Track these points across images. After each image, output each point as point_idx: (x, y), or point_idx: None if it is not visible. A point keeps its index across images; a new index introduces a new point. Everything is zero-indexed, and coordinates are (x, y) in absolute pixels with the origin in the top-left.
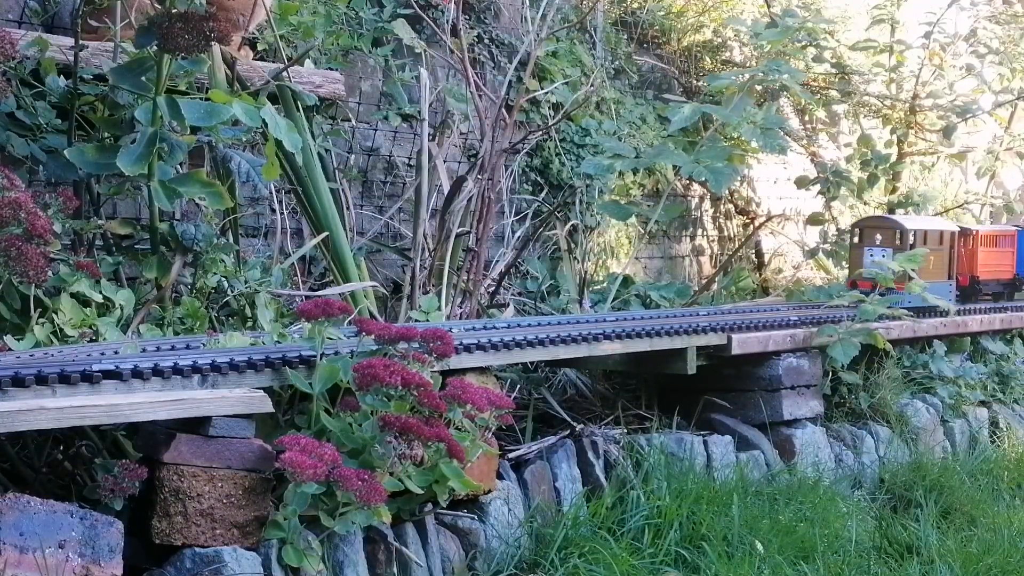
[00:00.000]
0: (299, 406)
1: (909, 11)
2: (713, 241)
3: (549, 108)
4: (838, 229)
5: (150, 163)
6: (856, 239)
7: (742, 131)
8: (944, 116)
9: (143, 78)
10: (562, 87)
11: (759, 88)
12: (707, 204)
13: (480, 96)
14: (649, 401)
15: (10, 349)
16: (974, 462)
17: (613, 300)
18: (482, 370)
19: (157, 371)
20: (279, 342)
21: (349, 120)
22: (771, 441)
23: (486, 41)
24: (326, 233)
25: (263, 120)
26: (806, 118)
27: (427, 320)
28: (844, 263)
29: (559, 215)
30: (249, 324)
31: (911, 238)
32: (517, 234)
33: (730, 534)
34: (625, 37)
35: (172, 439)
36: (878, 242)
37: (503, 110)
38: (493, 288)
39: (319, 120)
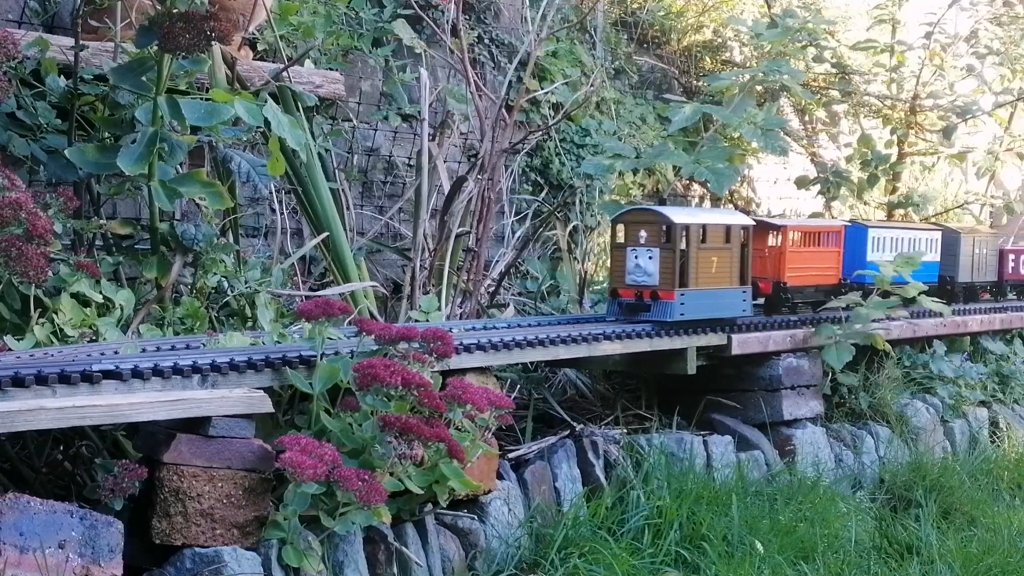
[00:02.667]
0: (299, 406)
1: (910, 11)
2: None
3: (549, 108)
4: None
5: (150, 163)
6: (619, 237)
7: (743, 132)
8: (944, 116)
9: (143, 78)
10: (562, 87)
11: (759, 88)
12: (707, 204)
13: (480, 96)
14: (649, 401)
15: (10, 349)
16: (974, 462)
17: None
18: (482, 370)
19: (157, 371)
20: (279, 342)
21: (349, 120)
22: (771, 441)
23: (486, 41)
24: (326, 233)
25: (265, 119)
26: (806, 118)
27: (427, 320)
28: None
29: (559, 215)
30: (249, 324)
31: (681, 234)
32: (517, 234)
33: (730, 534)
34: (625, 37)
35: (172, 439)
36: (642, 240)
37: (503, 110)
38: (493, 288)
39: (319, 120)
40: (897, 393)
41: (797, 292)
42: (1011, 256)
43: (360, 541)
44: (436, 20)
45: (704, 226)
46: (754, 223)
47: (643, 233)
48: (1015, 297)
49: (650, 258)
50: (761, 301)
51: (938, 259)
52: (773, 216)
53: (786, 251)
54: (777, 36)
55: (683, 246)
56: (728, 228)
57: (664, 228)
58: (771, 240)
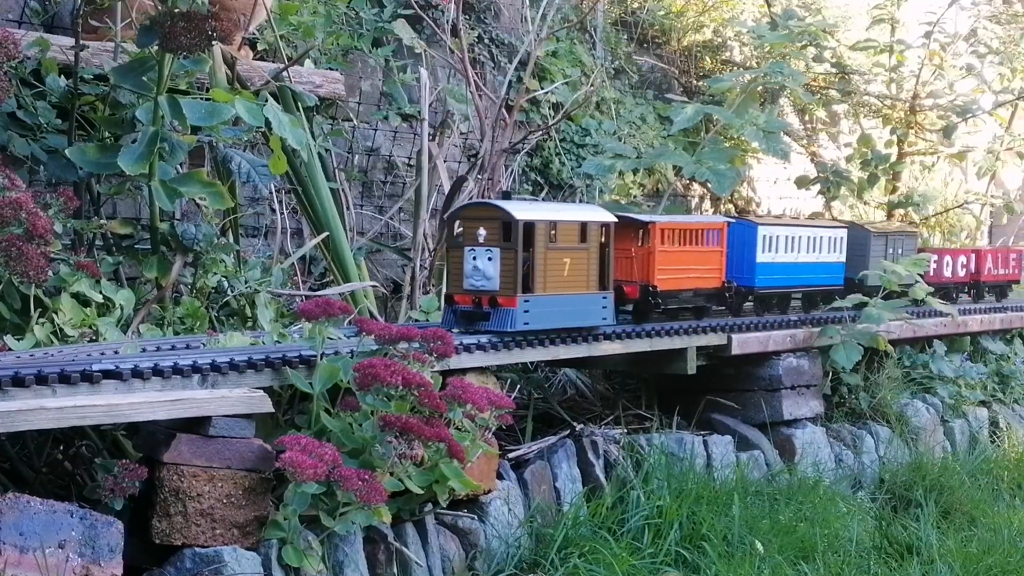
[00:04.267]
0: (299, 406)
1: (909, 11)
2: None
3: (549, 108)
4: None
5: (151, 163)
6: (456, 235)
7: (745, 133)
8: (944, 116)
9: (144, 77)
10: (562, 87)
11: (760, 88)
12: (707, 204)
13: (480, 96)
14: (649, 401)
15: (10, 349)
16: (974, 462)
17: None
18: (482, 370)
19: (157, 371)
20: (279, 342)
21: (349, 120)
22: (771, 441)
23: (486, 41)
24: (326, 233)
25: (265, 119)
26: (806, 118)
27: (427, 320)
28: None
29: None
30: (249, 324)
31: (523, 232)
32: None
33: (730, 534)
34: (625, 37)
35: (172, 439)
36: (481, 239)
37: (503, 110)
38: None
39: (319, 120)
40: (897, 393)
41: (670, 297)
42: (932, 257)
43: (360, 541)
44: (436, 20)
45: (553, 223)
46: (616, 220)
47: (482, 231)
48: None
49: (489, 259)
50: (630, 308)
51: (844, 260)
52: (641, 212)
53: (655, 251)
54: (780, 38)
55: (528, 246)
56: (584, 225)
57: (501, 225)
58: (639, 239)
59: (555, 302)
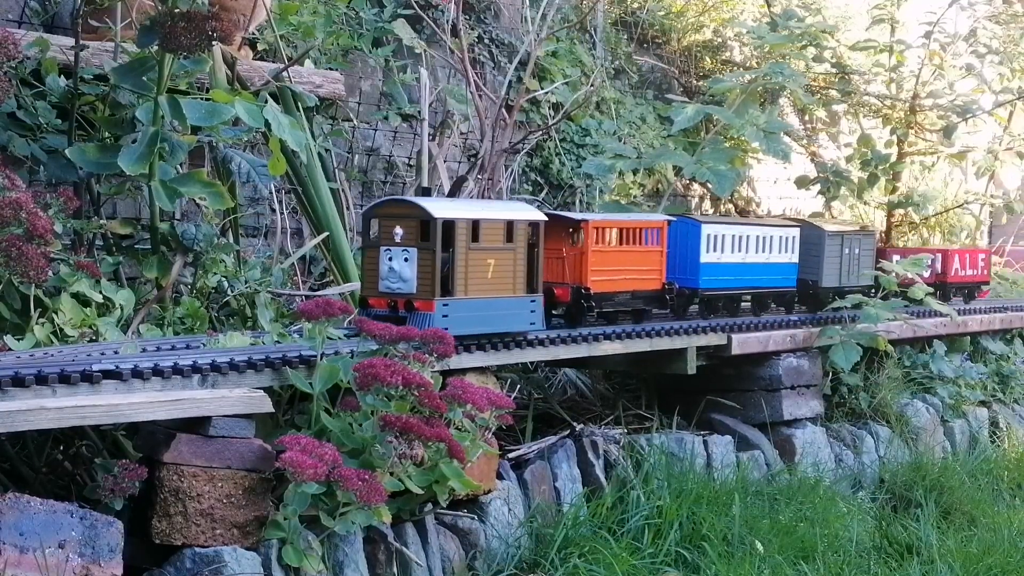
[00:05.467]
0: (299, 406)
1: (909, 11)
2: None
3: (549, 108)
4: None
5: (151, 163)
6: (372, 234)
7: (746, 134)
8: (944, 116)
9: (144, 78)
10: (562, 87)
11: (760, 89)
12: (707, 204)
13: (480, 96)
14: (649, 401)
15: (10, 349)
16: (974, 462)
17: None
18: (482, 370)
19: (157, 371)
20: (279, 342)
21: (349, 120)
22: (771, 441)
23: (486, 41)
24: (326, 233)
25: (265, 120)
26: (806, 118)
27: None
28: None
29: None
30: (249, 324)
31: (441, 231)
32: None
33: (730, 534)
34: (625, 37)
35: (172, 439)
36: (398, 238)
37: (503, 110)
38: None
39: (319, 120)
40: (897, 393)
41: (605, 300)
42: (895, 258)
43: (360, 541)
44: (436, 20)
45: (475, 222)
46: (546, 218)
47: (399, 230)
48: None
49: (406, 260)
50: (562, 311)
51: (796, 260)
52: (573, 210)
53: (588, 251)
54: (780, 40)
55: (448, 246)
56: (510, 224)
57: (422, 224)
58: (571, 239)
59: (478, 306)
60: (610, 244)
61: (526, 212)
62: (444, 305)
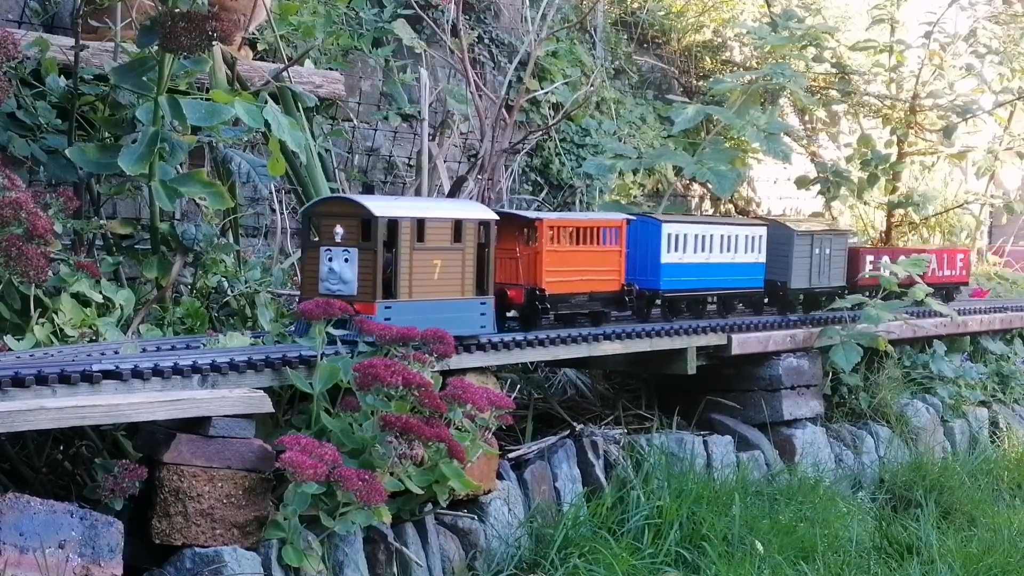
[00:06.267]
0: (299, 406)
1: (909, 11)
2: None
3: (549, 108)
4: None
5: (151, 163)
6: (312, 233)
7: (746, 134)
8: (944, 116)
9: (144, 78)
10: (562, 87)
11: (760, 89)
12: (707, 204)
13: (480, 96)
14: (649, 401)
15: (10, 349)
16: (974, 462)
17: None
18: (482, 370)
19: (157, 371)
20: (279, 342)
21: (349, 120)
22: (771, 441)
23: (486, 41)
24: None
25: (265, 120)
26: (806, 118)
27: None
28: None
29: None
30: (249, 324)
31: (382, 230)
32: None
33: (730, 534)
34: (625, 37)
35: (172, 439)
36: (339, 238)
37: (503, 110)
38: None
39: (319, 120)
40: (897, 393)
41: (561, 302)
42: (868, 258)
43: (360, 541)
44: (436, 20)
45: (420, 220)
46: (496, 217)
47: (339, 229)
48: None
49: (347, 261)
50: (516, 314)
51: (763, 260)
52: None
53: (543, 251)
54: (781, 41)
55: (391, 246)
56: (458, 223)
57: (363, 223)
58: (525, 238)
59: (423, 308)
60: (566, 244)
61: (475, 211)
62: (386, 308)
